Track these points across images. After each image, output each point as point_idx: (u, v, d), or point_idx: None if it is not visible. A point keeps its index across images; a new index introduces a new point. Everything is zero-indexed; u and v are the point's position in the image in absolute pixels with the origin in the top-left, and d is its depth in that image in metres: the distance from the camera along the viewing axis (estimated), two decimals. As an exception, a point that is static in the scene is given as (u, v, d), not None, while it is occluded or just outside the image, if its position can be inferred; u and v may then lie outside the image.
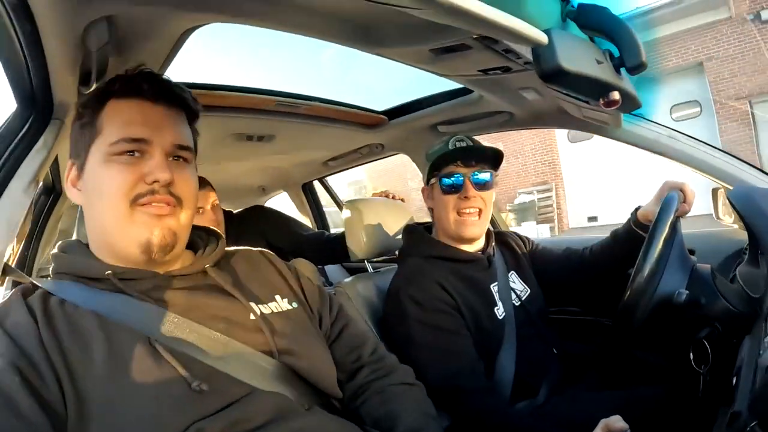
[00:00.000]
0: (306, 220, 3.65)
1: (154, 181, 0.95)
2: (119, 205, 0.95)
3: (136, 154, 0.97)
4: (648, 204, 1.57)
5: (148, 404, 0.83)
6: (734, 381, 0.96)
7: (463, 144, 1.65)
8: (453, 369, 1.43)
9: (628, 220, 1.64)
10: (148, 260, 0.99)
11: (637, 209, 1.62)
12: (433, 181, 1.70)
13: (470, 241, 1.70)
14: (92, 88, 1.22)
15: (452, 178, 1.64)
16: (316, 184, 3.72)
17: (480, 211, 1.65)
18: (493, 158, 1.66)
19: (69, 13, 0.97)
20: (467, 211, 1.63)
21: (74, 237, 1.32)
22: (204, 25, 1.18)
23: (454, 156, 1.63)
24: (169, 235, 0.98)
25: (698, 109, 11.97)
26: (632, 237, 1.59)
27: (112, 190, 0.95)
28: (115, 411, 0.81)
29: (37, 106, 1.28)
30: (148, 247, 0.97)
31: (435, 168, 1.67)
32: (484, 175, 1.65)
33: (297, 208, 3.73)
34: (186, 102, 1.07)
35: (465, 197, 1.62)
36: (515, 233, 2.00)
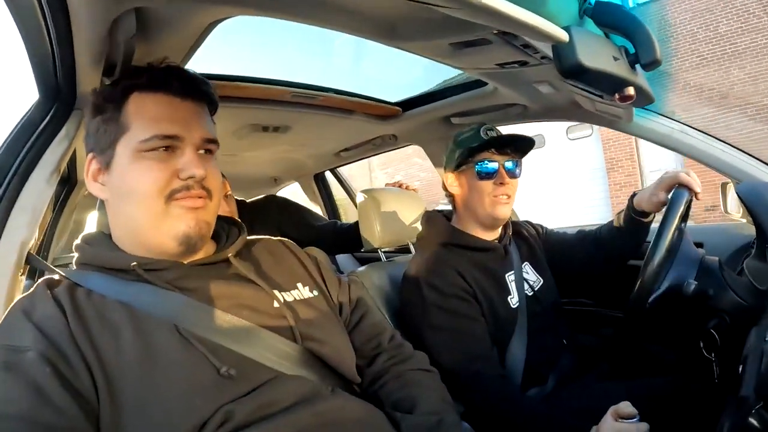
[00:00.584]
0: (317, 210, 3.65)
1: (189, 177, 0.98)
2: (155, 201, 0.97)
3: (168, 150, 0.98)
4: (643, 191, 1.60)
5: (177, 391, 0.85)
6: (741, 369, 0.98)
7: (494, 133, 1.70)
8: (469, 353, 1.47)
9: (627, 207, 1.69)
10: (184, 252, 1.01)
11: (633, 195, 1.66)
12: (464, 167, 1.73)
13: (501, 222, 1.75)
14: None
15: (488, 166, 1.68)
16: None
17: (509, 196, 1.70)
18: (522, 147, 1.70)
19: (102, 5, 0.98)
20: (500, 196, 1.68)
21: (95, 228, 1.35)
22: (229, 18, 1.19)
23: (490, 144, 1.67)
24: (204, 226, 1.02)
25: (590, 131, 12.77)
26: (631, 222, 1.67)
27: (146, 186, 0.96)
28: (145, 398, 0.83)
29: (61, 96, 1.30)
30: (187, 239, 0.99)
31: (469, 155, 1.70)
32: (515, 163, 1.70)
33: (309, 198, 3.75)
34: (210, 95, 1.09)
35: (500, 183, 1.67)
36: (528, 222, 2.03)
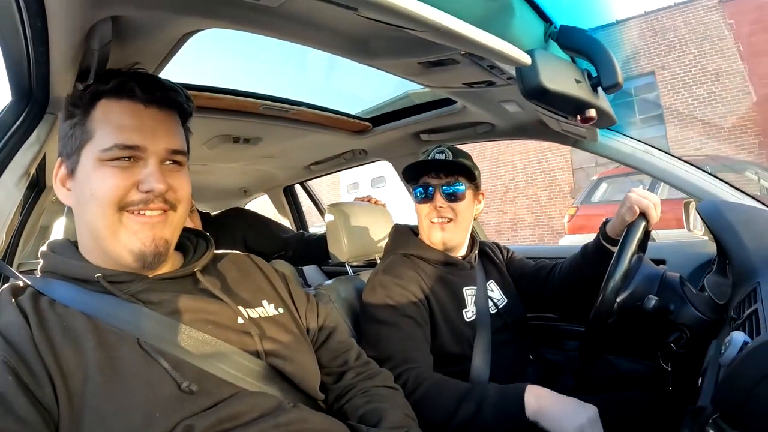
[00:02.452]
0: (286, 223, 3.66)
1: (148, 191, 0.96)
2: (109, 211, 0.95)
3: (131, 159, 0.97)
4: (614, 218, 1.60)
5: (138, 404, 0.84)
6: (700, 381, 1.02)
7: (442, 156, 1.73)
8: (404, 352, 1.47)
9: (597, 234, 1.68)
10: (141, 268, 0.99)
11: (605, 223, 1.65)
12: (411, 190, 1.78)
13: (441, 245, 1.76)
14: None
15: (423, 189, 1.73)
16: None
17: (450, 220, 1.73)
18: (466, 170, 1.73)
19: (80, 11, 0.97)
20: (435, 220, 1.72)
21: (62, 234, 1.32)
22: (203, 29, 1.20)
23: (427, 167, 1.72)
24: (161, 244, 1.00)
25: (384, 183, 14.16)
26: (601, 251, 1.64)
27: (104, 195, 0.95)
28: (105, 411, 0.82)
29: (34, 99, 1.28)
30: (142, 257, 0.97)
31: (409, 177, 1.76)
32: (455, 187, 1.72)
33: (278, 211, 3.74)
34: (179, 103, 1.07)
35: (435, 207, 1.71)
36: (496, 244, 2.06)
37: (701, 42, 11.62)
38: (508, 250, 2.03)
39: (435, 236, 1.74)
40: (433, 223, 1.73)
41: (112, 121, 0.97)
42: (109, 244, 0.97)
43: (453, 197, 1.72)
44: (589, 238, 1.73)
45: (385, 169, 16.33)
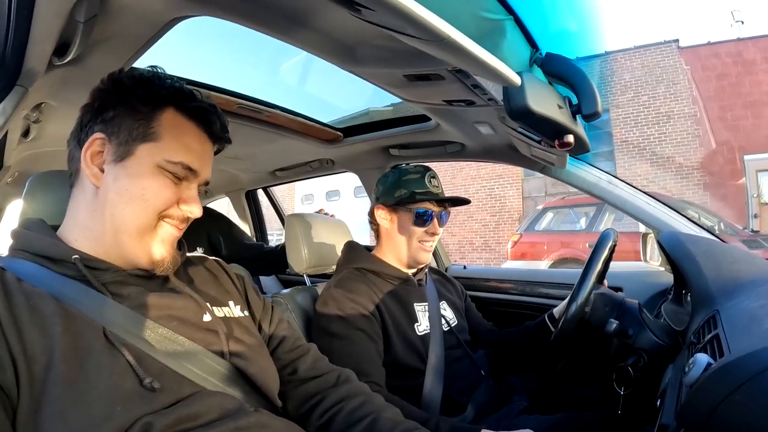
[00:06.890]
0: (245, 227, 3.63)
1: (189, 211, 1.03)
2: (152, 215, 0.99)
3: (181, 179, 1.02)
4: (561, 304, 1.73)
5: (99, 397, 0.82)
6: (658, 403, 1.05)
7: (435, 181, 1.79)
8: (356, 366, 1.44)
9: (544, 315, 1.81)
10: (148, 270, 1.02)
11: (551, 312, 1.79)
12: (402, 207, 1.79)
13: (420, 265, 1.84)
14: (67, 60, 1.20)
15: (426, 214, 1.76)
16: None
17: (433, 243, 1.82)
18: (460, 203, 1.83)
19: None
20: (428, 245, 1.79)
21: (17, 219, 1.28)
22: (193, 16, 1.18)
23: (433, 196, 1.77)
24: (175, 254, 1.07)
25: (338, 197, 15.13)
26: (543, 329, 1.77)
27: (156, 201, 0.98)
28: (66, 400, 0.79)
29: (5, 68, 1.21)
30: (162, 263, 1.02)
31: (410, 198, 1.76)
32: (447, 214, 1.83)
33: (238, 215, 3.69)
34: (225, 145, 1.15)
35: (432, 233, 1.78)
36: (458, 279, 2.15)
37: (656, 84, 12.21)
38: (465, 293, 2.12)
39: (424, 257, 1.80)
40: (422, 243, 1.78)
41: (182, 139, 1.02)
42: (131, 240, 0.99)
43: (443, 224, 1.81)
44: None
45: (340, 183, 16.38)
